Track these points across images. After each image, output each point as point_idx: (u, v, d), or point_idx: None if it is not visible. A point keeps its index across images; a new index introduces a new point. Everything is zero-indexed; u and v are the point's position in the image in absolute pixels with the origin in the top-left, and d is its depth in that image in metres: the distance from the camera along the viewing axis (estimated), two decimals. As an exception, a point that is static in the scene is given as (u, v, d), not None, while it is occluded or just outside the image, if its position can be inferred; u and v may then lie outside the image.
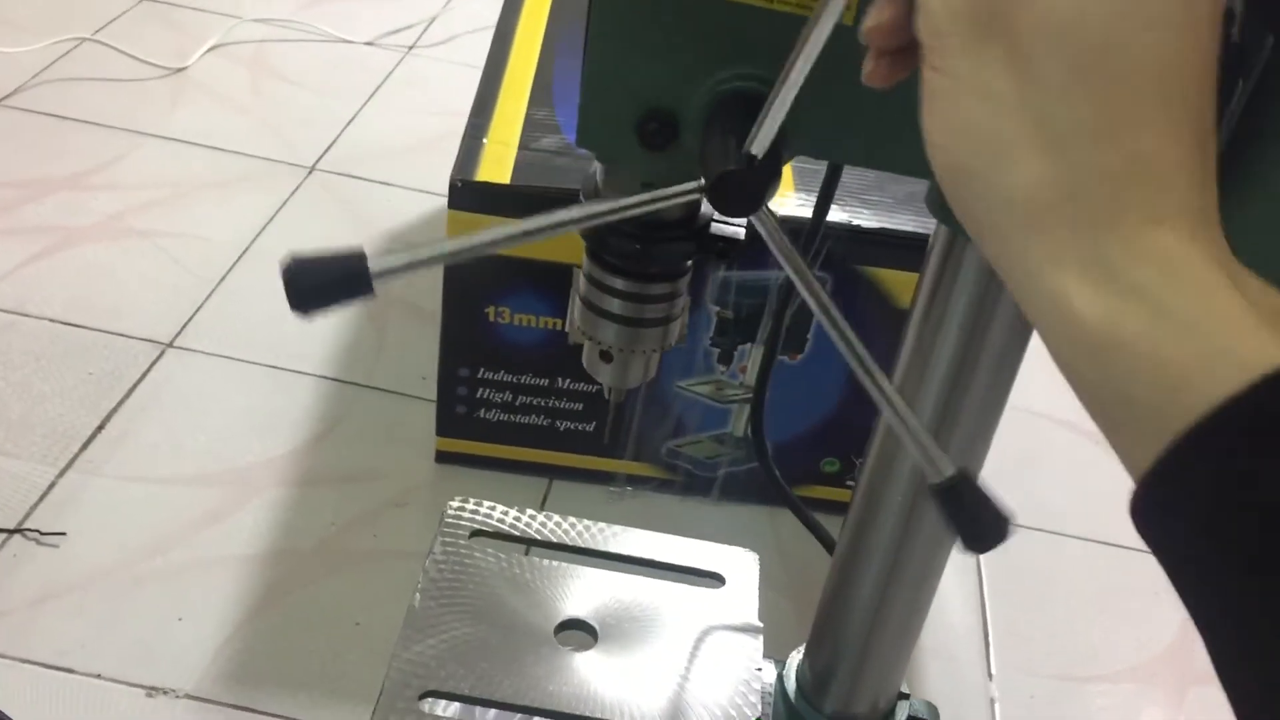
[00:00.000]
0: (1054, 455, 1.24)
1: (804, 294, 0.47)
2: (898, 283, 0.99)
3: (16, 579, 0.93)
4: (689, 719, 0.69)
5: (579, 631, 0.74)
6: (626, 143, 0.50)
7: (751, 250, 1.00)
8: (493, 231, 0.47)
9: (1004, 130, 0.30)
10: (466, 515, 0.80)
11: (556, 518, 0.81)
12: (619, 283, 0.57)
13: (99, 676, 0.88)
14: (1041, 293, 0.30)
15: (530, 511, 0.80)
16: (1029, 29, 0.29)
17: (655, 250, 0.56)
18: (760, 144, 0.44)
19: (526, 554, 0.78)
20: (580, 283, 0.60)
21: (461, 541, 0.78)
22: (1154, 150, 0.29)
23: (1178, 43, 0.29)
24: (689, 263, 0.59)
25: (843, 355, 0.47)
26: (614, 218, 0.48)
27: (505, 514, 0.80)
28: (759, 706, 0.70)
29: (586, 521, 0.81)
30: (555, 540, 0.79)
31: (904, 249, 0.98)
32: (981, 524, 0.46)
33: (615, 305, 0.58)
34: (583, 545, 0.79)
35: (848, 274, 0.98)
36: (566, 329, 1.05)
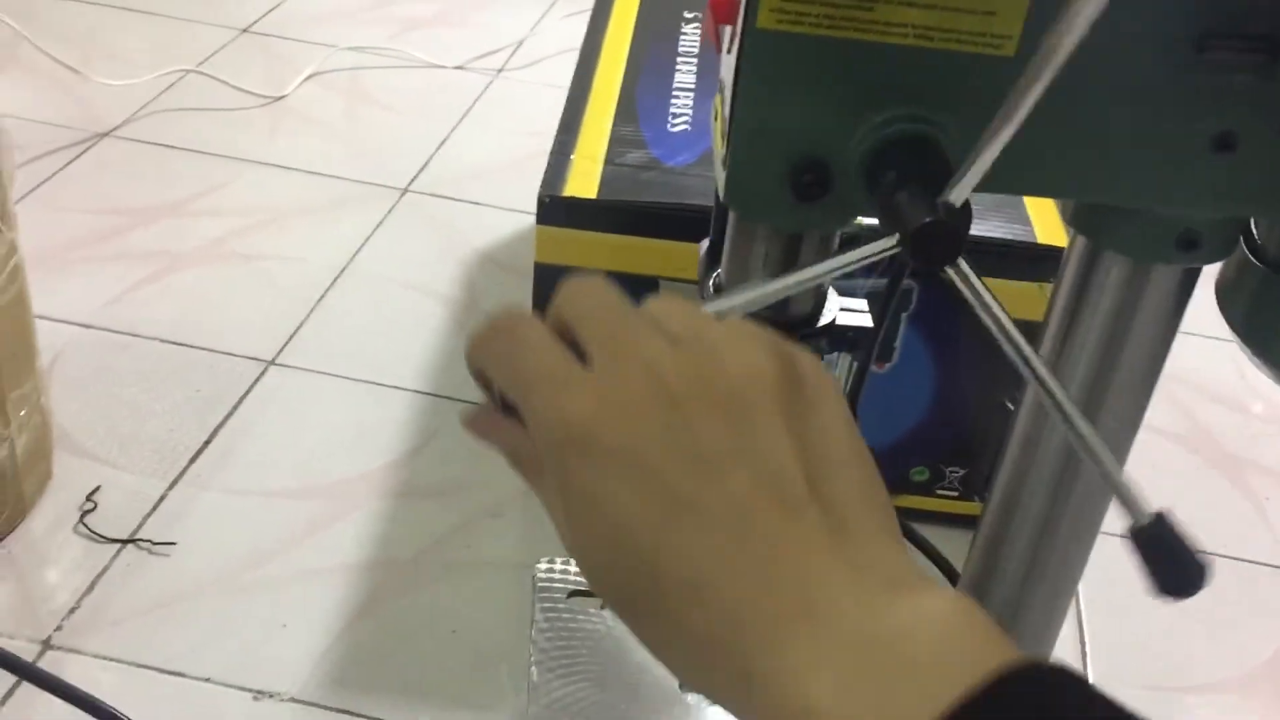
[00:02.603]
0: (1151, 465, 1.22)
1: (1001, 340, 0.46)
2: (1015, 293, 0.99)
3: (130, 588, 0.97)
4: None
5: None
6: (779, 197, 0.47)
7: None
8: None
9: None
10: (558, 576, 0.79)
11: None
12: None
13: (208, 680, 0.91)
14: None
15: None
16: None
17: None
18: (960, 193, 0.42)
19: None
20: None
21: (561, 604, 0.77)
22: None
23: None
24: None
25: (1045, 406, 0.46)
26: (819, 280, 0.48)
27: None
28: None
29: None
30: None
31: (994, 255, 0.98)
32: (1182, 569, 0.45)
33: None
34: None
35: (937, 281, 0.98)
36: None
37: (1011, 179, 0.48)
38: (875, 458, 0.95)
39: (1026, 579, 0.64)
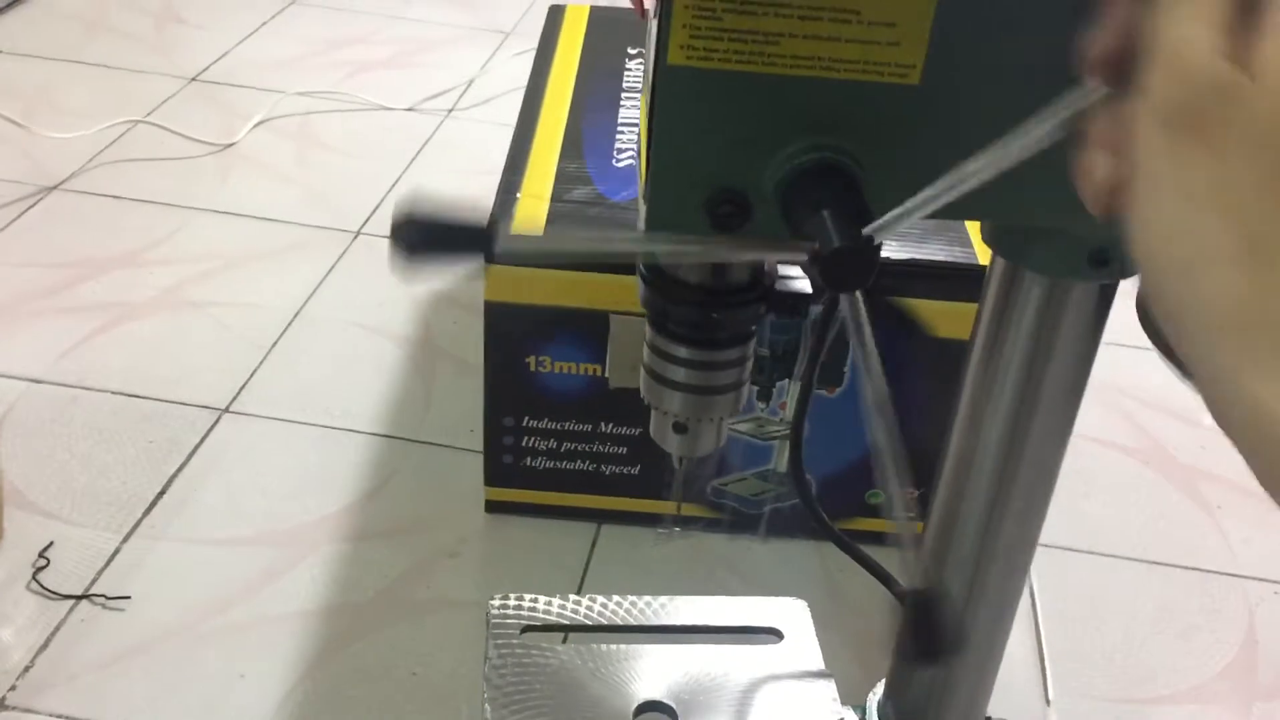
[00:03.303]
0: (1103, 478, 1.23)
1: (852, 333, 0.48)
2: (930, 312, 1.00)
3: (86, 643, 0.96)
4: None
5: (658, 714, 0.73)
6: (698, 226, 0.48)
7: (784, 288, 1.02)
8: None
9: (1204, 237, 0.29)
10: (511, 612, 0.79)
11: (600, 599, 0.79)
12: (686, 352, 0.55)
13: (166, 734, 0.90)
14: (1239, 401, 0.28)
15: (573, 597, 0.79)
16: (1233, 133, 0.28)
17: (727, 316, 0.54)
18: (885, 233, 0.42)
19: (584, 643, 0.77)
20: (645, 353, 0.57)
21: (515, 640, 0.76)
22: None
23: None
24: (754, 327, 0.57)
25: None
26: (727, 257, 0.49)
27: (550, 604, 0.79)
28: None
29: (632, 598, 0.80)
30: (604, 622, 0.78)
31: (935, 279, 0.99)
32: (944, 637, 0.45)
33: (683, 375, 0.56)
34: (634, 623, 0.78)
35: (879, 305, 1.00)
36: (606, 374, 1.07)
37: (943, 208, 0.49)
38: (830, 482, 0.95)
39: (970, 595, 0.65)
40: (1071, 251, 0.51)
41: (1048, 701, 0.99)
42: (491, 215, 0.45)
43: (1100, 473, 1.23)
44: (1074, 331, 0.54)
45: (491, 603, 0.78)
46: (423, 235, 0.42)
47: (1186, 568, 1.12)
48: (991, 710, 0.98)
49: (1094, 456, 1.25)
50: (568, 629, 0.78)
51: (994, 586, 0.65)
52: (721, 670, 0.75)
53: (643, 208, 0.49)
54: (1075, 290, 0.53)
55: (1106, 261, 0.50)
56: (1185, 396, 1.37)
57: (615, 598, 0.79)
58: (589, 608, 0.79)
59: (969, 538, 0.63)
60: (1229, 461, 1.27)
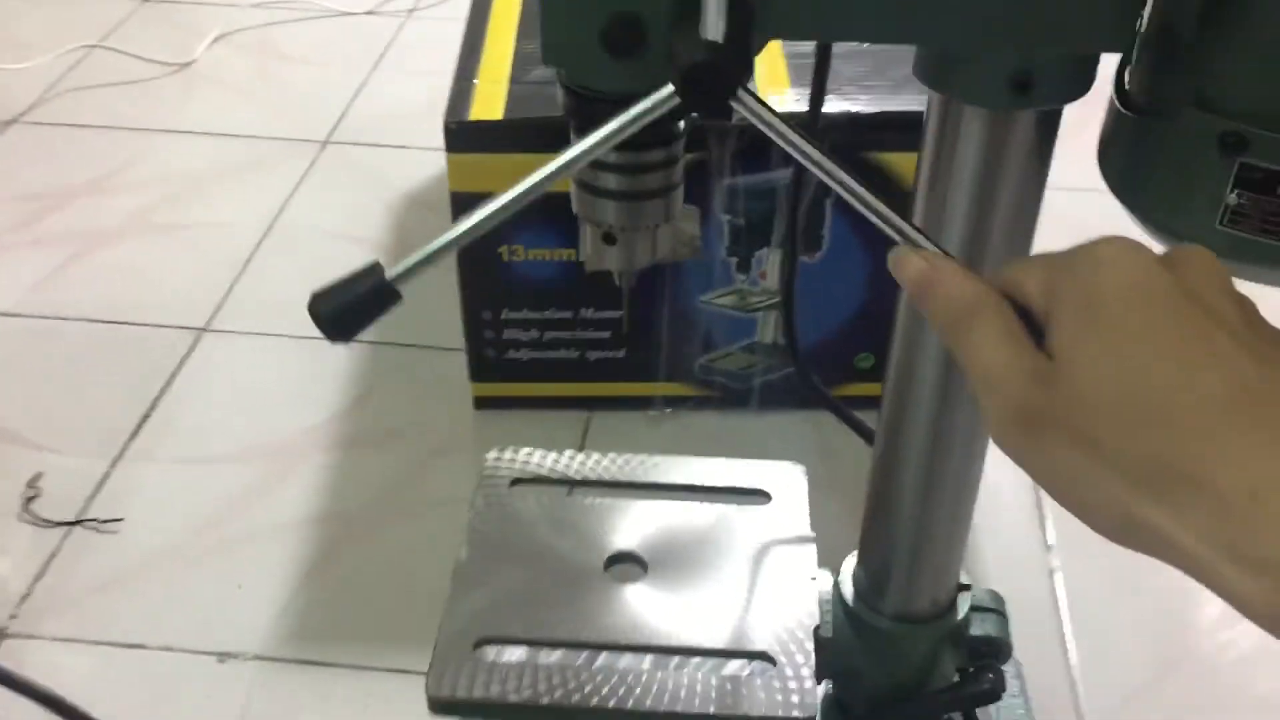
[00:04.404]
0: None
1: (793, 154, 0.46)
2: (904, 165, 0.97)
3: (82, 568, 0.96)
4: (745, 635, 0.68)
5: (629, 565, 0.73)
6: (593, 54, 0.47)
7: (754, 155, 0.99)
8: (492, 203, 0.48)
9: (1091, 486, 0.36)
10: (504, 464, 0.79)
11: (595, 455, 0.79)
12: (613, 157, 0.54)
13: (169, 649, 0.90)
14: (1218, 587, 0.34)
15: (569, 452, 0.79)
16: (1059, 416, 0.35)
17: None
18: (714, 27, 0.42)
19: (569, 495, 0.78)
20: None
21: (503, 491, 0.77)
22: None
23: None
24: (681, 124, 0.55)
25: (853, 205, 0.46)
26: (601, 150, 0.47)
27: (544, 458, 0.79)
28: (818, 616, 0.69)
29: (626, 455, 0.80)
30: (595, 478, 0.78)
31: (907, 130, 0.96)
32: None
33: (612, 181, 0.55)
34: (624, 479, 0.78)
35: (853, 162, 0.97)
36: (581, 258, 1.04)
37: (841, 27, 0.48)
38: (819, 349, 0.92)
39: (933, 447, 0.64)
40: (989, 75, 0.49)
41: (1048, 547, 0.99)
42: (374, 262, 0.46)
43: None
44: (1017, 164, 0.52)
45: (487, 455, 0.78)
46: (334, 316, 0.46)
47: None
48: (990, 565, 0.98)
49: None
50: (557, 483, 0.77)
51: (958, 440, 0.64)
52: (701, 528, 0.75)
53: (539, 35, 0.48)
54: (1015, 123, 0.51)
55: (1028, 85, 0.48)
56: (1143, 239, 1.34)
57: (610, 455, 0.79)
58: (582, 463, 0.79)
59: (928, 386, 0.62)
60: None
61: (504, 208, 0.47)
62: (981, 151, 0.53)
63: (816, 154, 0.46)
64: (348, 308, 0.46)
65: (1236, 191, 0.47)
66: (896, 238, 0.45)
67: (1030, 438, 0.36)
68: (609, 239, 0.58)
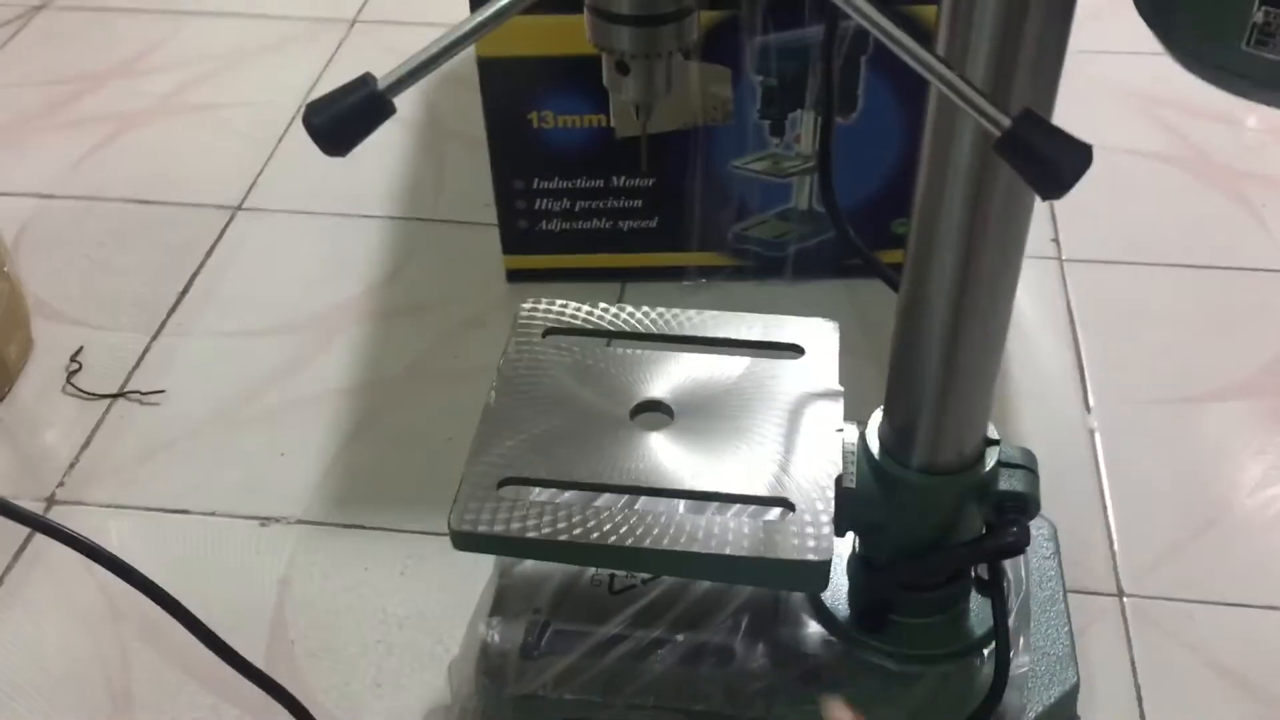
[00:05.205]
0: (1141, 188, 1.19)
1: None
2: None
3: (126, 438, 0.98)
4: (766, 481, 0.68)
5: (656, 413, 0.73)
6: None
7: (787, 11, 0.97)
8: (484, 10, 0.47)
9: None
10: (539, 315, 0.79)
11: (630, 308, 0.79)
12: None
13: (213, 514, 0.92)
14: None
15: (603, 305, 0.78)
16: None
17: None
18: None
19: (608, 345, 0.77)
20: None
21: (536, 340, 0.76)
22: None
23: None
24: None
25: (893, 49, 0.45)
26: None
27: (579, 310, 0.78)
28: (840, 466, 0.69)
29: (660, 309, 0.79)
30: (629, 330, 0.77)
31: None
32: (1060, 158, 0.43)
33: (625, 5, 0.54)
34: (658, 332, 0.78)
35: (890, 17, 0.94)
36: (612, 123, 1.03)
37: None
38: (853, 215, 0.90)
39: (960, 304, 0.63)
40: None
41: (1088, 409, 0.98)
42: (365, 74, 0.45)
43: (1138, 183, 1.19)
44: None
45: (522, 305, 0.78)
46: (327, 127, 0.46)
47: (1229, 268, 1.09)
48: (1029, 425, 0.97)
49: (1131, 167, 1.20)
50: (591, 333, 0.77)
51: (983, 284, 0.63)
52: (730, 378, 0.74)
53: None
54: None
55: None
56: (1227, 101, 1.30)
57: (644, 308, 0.78)
58: (616, 315, 0.78)
59: (953, 227, 0.60)
60: (1277, 159, 1.22)
61: (496, 14, 0.46)
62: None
63: (892, 28, 0.44)
64: (341, 118, 0.45)
65: (1264, 10, 0.45)
66: (946, 91, 0.44)
67: None
68: (622, 67, 0.56)
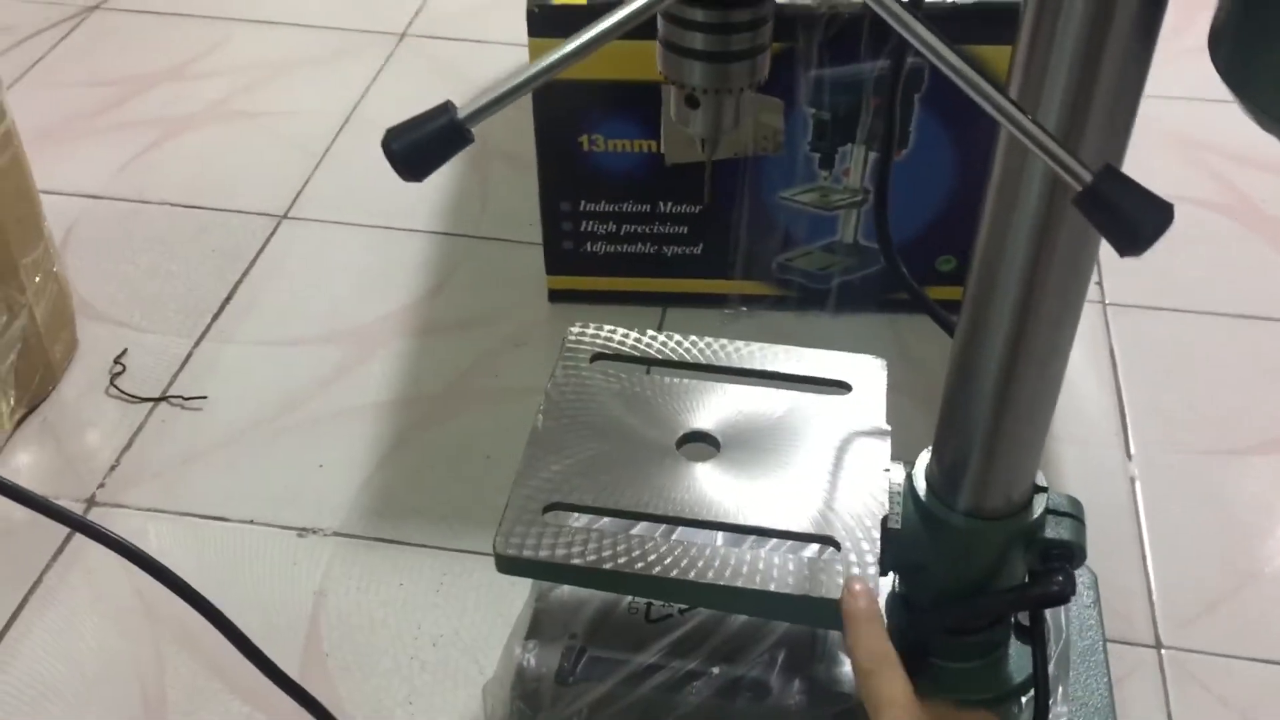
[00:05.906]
0: (1188, 235, 1.18)
1: (896, 28, 0.45)
2: (1002, 58, 0.94)
3: (167, 442, 0.99)
4: (812, 518, 0.68)
5: (702, 444, 0.73)
6: None
7: (843, 45, 0.97)
8: (567, 46, 0.47)
9: None
10: (587, 340, 0.79)
11: (677, 337, 0.79)
12: (701, 14, 0.54)
13: (251, 522, 0.92)
14: None
15: (650, 333, 0.79)
16: None
17: None
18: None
19: (648, 374, 0.78)
20: (660, 25, 0.56)
21: (583, 366, 0.77)
22: None
23: None
24: None
25: (963, 89, 0.45)
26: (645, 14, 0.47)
27: (626, 336, 0.79)
28: (887, 506, 0.69)
29: (708, 339, 0.79)
30: (676, 359, 0.78)
31: (1004, 23, 0.93)
32: (1142, 216, 0.43)
33: (699, 41, 0.54)
34: (705, 362, 0.78)
35: (969, 62, 0.94)
36: (662, 149, 1.03)
37: None
38: (900, 251, 0.90)
39: (1016, 350, 0.62)
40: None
41: (1129, 456, 0.97)
42: (446, 101, 0.46)
43: (1185, 230, 1.18)
44: (1123, 35, 0.50)
45: (571, 329, 0.78)
46: (406, 153, 0.46)
47: (1275, 319, 1.08)
48: (1070, 470, 0.97)
49: (1177, 214, 1.19)
50: (638, 361, 0.77)
51: (1041, 332, 0.62)
52: (777, 412, 0.74)
53: None
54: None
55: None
56: (1274, 148, 1.30)
57: (691, 337, 0.78)
58: (664, 344, 0.78)
59: (1013, 277, 0.60)
60: (1323, 211, 1.21)
61: (579, 50, 0.47)
62: (1084, 25, 0.51)
63: (929, 35, 0.44)
64: (419, 145, 0.46)
65: None
66: (1026, 141, 0.44)
67: None
68: (692, 101, 0.56)
